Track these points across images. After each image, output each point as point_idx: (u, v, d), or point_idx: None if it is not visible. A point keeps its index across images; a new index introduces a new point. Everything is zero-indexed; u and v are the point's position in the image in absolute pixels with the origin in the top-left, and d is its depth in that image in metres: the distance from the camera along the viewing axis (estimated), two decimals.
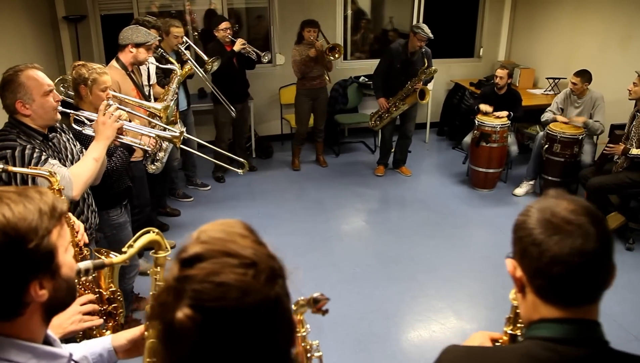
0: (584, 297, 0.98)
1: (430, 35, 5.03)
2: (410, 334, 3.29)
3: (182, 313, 0.69)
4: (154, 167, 3.78)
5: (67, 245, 1.01)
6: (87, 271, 1.16)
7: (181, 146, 2.65)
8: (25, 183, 2.03)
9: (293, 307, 1.18)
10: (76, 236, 1.88)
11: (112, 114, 2.30)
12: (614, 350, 0.99)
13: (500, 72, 5.17)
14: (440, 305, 3.54)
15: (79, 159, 2.37)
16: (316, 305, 1.15)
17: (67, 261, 1.00)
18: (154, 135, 2.65)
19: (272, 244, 0.83)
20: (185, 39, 4.58)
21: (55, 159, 2.18)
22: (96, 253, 1.91)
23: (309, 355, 1.29)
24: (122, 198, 2.97)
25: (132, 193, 3.19)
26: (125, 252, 1.22)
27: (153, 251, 1.28)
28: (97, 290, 1.81)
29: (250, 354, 0.71)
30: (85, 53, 5.65)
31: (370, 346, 3.16)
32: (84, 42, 5.69)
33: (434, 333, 3.28)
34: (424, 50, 5.11)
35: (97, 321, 1.56)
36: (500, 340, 1.30)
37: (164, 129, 3.07)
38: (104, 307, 1.89)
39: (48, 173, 1.85)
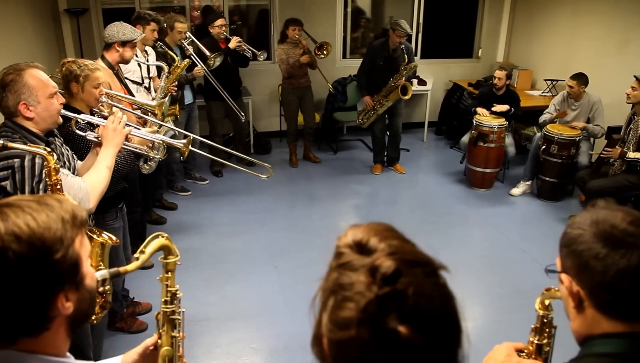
0: None
1: (409, 31, 5.07)
2: None
3: (403, 328, 0.68)
4: (147, 167, 3.71)
5: (88, 254, 0.97)
6: (103, 281, 1.12)
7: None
8: (33, 193, 1.91)
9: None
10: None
11: (122, 120, 2.23)
12: None
13: (499, 74, 5.21)
14: None
15: (74, 165, 2.29)
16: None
17: (90, 271, 0.96)
18: (160, 141, 2.57)
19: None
20: (188, 34, 4.63)
21: (61, 165, 2.10)
22: (88, 232, 1.88)
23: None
24: (117, 201, 2.86)
25: (127, 195, 3.08)
26: (137, 258, 1.18)
27: (162, 256, 1.24)
28: None
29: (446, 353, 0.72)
30: (86, 47, 5.65)
31: None
32: (85, 36, 5.68)
33: None
34: (403, 46, 5.13)
35: None
36: (526, 351, 1.29)
37: (159, 126, 3.03)
38: None
39: (46, 152, 1.81)
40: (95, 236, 1.94)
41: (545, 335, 1.27)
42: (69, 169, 2.20)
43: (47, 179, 1.86)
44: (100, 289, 1.91)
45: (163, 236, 1.21)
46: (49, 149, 1.85)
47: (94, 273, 0.99)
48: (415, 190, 5.45)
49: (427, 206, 5.02)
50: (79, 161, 2.35)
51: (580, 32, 5.81)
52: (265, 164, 3.33)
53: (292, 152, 5.93)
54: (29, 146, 1.84)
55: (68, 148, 2.31)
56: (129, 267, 1.17)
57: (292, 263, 3.96)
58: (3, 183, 1.89)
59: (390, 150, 5.78)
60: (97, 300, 1.88)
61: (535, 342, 1.27)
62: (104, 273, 1.11)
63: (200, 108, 5.50)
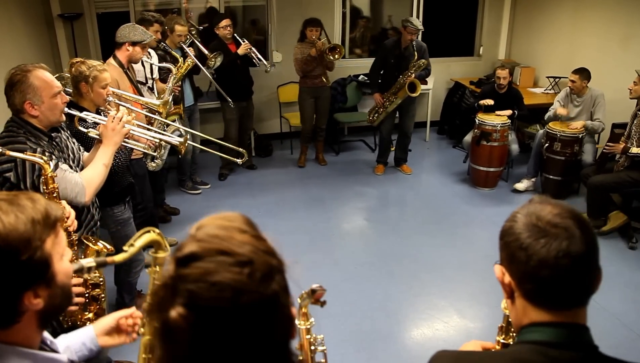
0: (572, 300, 0.98)
1: (420, 27, 5.06)
2: (413, 332, 3.27)
3: (175, 312, 0.69)
4: (154, 164, 3.82)
5: (63, 251, 0.99)
6: (89, 269, 1.17)
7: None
8: (36, 188, 2.02)
9: (298, 300, 1.18)
10: (66, 222, 1.91)
11: (121, 120, 2.33)
12: (603, 354, 0.99)
13: (502, 73, 5.16)
14: (442, 303, 3.52)
15: (79, 157, 2.39)
16: (314, 295, 1.15)
17: (63, 268, 0.98)
18: (158, 140, 2.66)
19: (272, 238, 0.82)
20: (188, 36, 4.68)
21: (62, 161, 2.19)
22: (84, 240, 2.00)
23: (312, 347, 1.30)
24: (125, 194, 2.99)
25: (134, 190, 3.21)
26: (126, 251, 1.24)
27: (153, 250, 1.29)
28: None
29: (248, 350, 0.71)
30: (81, 52, 5.59)
31: (373, 344, 3.13)
32: (80, 41, 5.63)
33: (437, 332, 3.25)
34: (414, 43, 5.10)
35: (74, 307, 1.58)
36: (493, 350, 1.31)
37: (165, 125, 3.11)
38: (87, 291, 1.95)
39: (43, 160, 1.90)
40: (91, 244, 1.99)
41: (512, 334, 1.30)
42: (74, 161, 2.32)
43: (44, 188, 1.94)
44: (96, 294, 1.94)
45: (154, 232, 1.26)
46: (46, 158, 1.93)
47: (69, 269, 1.02)
48: (418, 190, 5.40)
49: (431, 206, 4.98)
50: (85, 153, 2.49)
51: (582, 28, 5.76)
52: (240, 149, 3.37)
53: (303, 152, 5.91)
54: (27, 154, 1.92)
55: (74, 141, 2.43)
56: (117, 257, 1.23)
57: (295, 266, 3.90)
58: (7, 174, 2.01)
59: (398, 150, 5.73)
60: (92, 307, 1.96)
61: (502, 340, 1.31)
62: (89, 261, 1.17)
63: (216, 110, 5.64)
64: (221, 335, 0.70)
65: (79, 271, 1.16)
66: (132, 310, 1.36)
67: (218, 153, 3.57)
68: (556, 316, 0.97)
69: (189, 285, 0.69)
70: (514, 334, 1.26)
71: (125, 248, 1.22)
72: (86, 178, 2.21)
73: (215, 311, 0.69)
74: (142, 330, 1.30)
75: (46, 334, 1.07)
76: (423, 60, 5.12)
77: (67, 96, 2.24)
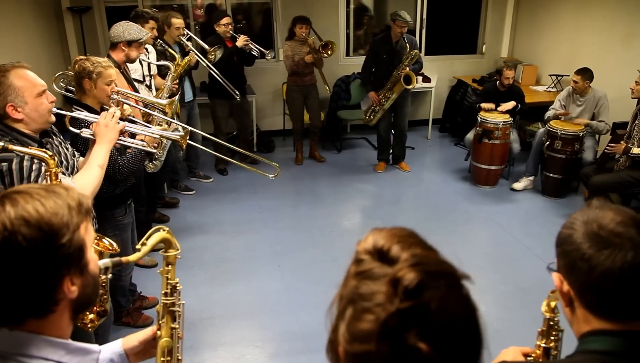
0: (635, 311, 0.95)
1: (409, 19, 5.07)
2: None
3: (423, 345, 0.65)
4: (152, 166, 3.72)
5: (92, 241, 1.01)
6: (106, 269, 1.14)
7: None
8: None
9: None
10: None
11: (114, 115, 2.20)
12: None
13: (509, 73, 5.15)
14: None
15: (73, 163, 2.27)
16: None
17: (93, 257, 1.00)
18: (158, 136, 2.58)
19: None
20: (186, 30, 4.62)
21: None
22: None
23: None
24: (127, 196, 2.90)
25: (138, 190, 3.13)
26: (139, 250, 1.21)
27: (163, 249, 1.28)
28: None
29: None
30: (90, 45, 5.65)
31: None
32: (89, 34, 5.69)
33: None
34: (404, 36, 5.11)
35: None
36: (533, 355, 1.28)
37: (165, 122, 3.06)
38: None
39: (47, 156, 1.81)
40: (94, 244, 1.91)
41: (553, 338, 1.26)
42: (67, 168, 2.19)
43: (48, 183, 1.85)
44: (99, 295, 1.90)
45: (164, 230, 1.24)
46: (50, 153, 1.84)
47: (97, 260, 1.03)
48: (419, 188, 5.43)
49: (431, 203, 5.00)
50: (81, 159, 2.35)
51: (585, 26, 5.76)
52: (273, 163, 3.32)
53: (299, 150, 5.93)
54: (30, 148, 1.83)
55: (68, 147, 2.30)
56: (131, 257, 1.21)
57: (295, 262, 3.95)
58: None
59: (396, 148, 5.76)
60: (95, 308, 1.87)
61: (542, 345, 1.26)
62: (106, 261, 1.14)
63: (204, 106, 5.52)
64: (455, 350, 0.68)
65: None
66: (155, 330, 1.30)
67: (216, 153, 3.54)
68: (618, 325, 0.95)
69: (423, 316, 0.66)
70: (554, 338, 1.24)
71: (138, 246, 1.21)
72: (80, 183, 2.03)
73: (451, 334, 0.67)
74: (159, 332, 1.28)
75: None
76: (416, 50, 5.13)
77: (54, 96, 2.09)
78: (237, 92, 4.97)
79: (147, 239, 1.21)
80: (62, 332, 0.98)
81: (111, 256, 1.31)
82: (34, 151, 1.82)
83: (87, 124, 2.34)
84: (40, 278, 0.89)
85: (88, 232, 0.97)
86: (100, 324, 2.00)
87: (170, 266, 1.29)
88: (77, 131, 2.30)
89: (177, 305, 1.29)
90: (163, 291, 1.28)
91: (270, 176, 3.13)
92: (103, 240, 1.93)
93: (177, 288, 1.29)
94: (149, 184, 3.90)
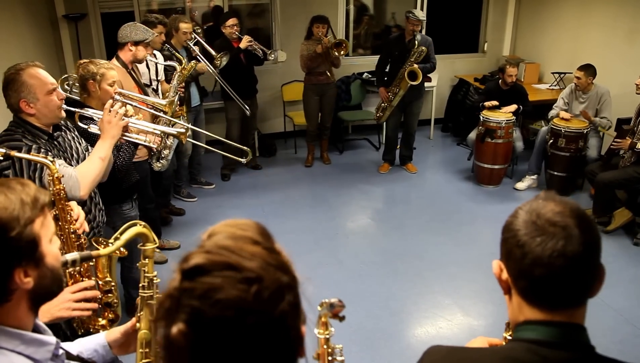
0: (567, 300, 0.96)
1: (422, 17, 5.07)
2: (417, 330, 3.27)
3: (177, 328, 0.67)
4: (159, 165, 3.79)
5: (52, 236, 1.03)
6: (73, 262, 1.19)
7: (191, 140, 2.66)
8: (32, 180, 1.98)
9: (318, 308, 1.14)
10: (74, 224, 1.89)
11: (118, 112, 2.31)
12: (599, 355, 0.97)
13: (512, 70, 5.10)
14: (446, 301, 3.52)
15: (84, 157, 2.36)
16: (332, 310, 1.10)
17: (52, 251, 1.02)
18: (159, 132, 2.64)
19: (287, 251, 0.79)
20: (194, 35, 4.63)
21: (60, 158, 2.18)
22: (94, 243, 1.92)
23: (330, 358, 1.26)
24: (132, 191, 3.02)
25: (139, 192, 3.23)
26: (112, 244, 1.27)
27: (141, 243, 1.31)
28: (93, 279, 1.84)
29: None
30: (86, 52, 5.61)
31: (377, 342, 3.14)
32: (84, 41, 5.64)
33: (441, 330, 3.26)
34: (419, 37, 5.09)
35: (86, 312, 1.59)
36: (494, 346, 1.29)
37: (171, 124, 3.11)
38: (100, 297, 1.90)
39: (49, 161, 1.88)
40: (101, 248, 1.91)
41: None
42: (79, 161, 2.31)
43: (51, 188, 1.91)
44: (109, 300, 1.90)
45: (140, 224, 1.28)
46: (51, 159, 1.91)
47: (57, 254, 1.06)
48: (423, 188, 5.39)
49: (435, 204, 4.97)
50: None
51: (588, 23, 5.72)
52: (244, 147, 3.41)
53: (310, 151, 5.89)
54: (32, 155, 1.94)
55: (81, 142, 2.42)
56: (102, 251, 1.27)
57: (300, 266, 3.90)
58: (6, 172, 2.02)
59: (404, 148, 5.72)
60: (106, 314, 1.91)
61: (508, 337, 1.29)
62: (74, 255, 1.18)
63: (211, 111, 5.63)
64: (222, 355, 0.67)
65: (63, 265, 1.16)
66: (135, 322, 1.35)
67: (222, 153, 3.57)
68: (551, 315, 0.97)
69: (192, 300, 0.67)
70: None
71: (110, 241, 1.25)
72: (80, 172, 2.17)
73: (217, 331, 0.67)
74: (138, 325, 1.32)
75: (39, 322, 1.09)
76: (423, 47, 5.09)
77: (64, 93, 2.23)
78: (247, 107, 5.01)
79: (120, 233, 1.25)
80: (19, 322, 1.00)
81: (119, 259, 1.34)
82: (36, 157, 1.91)
83: (95, 121, 2.46)
84: None
85: (45, 226, 1.00)
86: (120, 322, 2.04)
87: (147, 259, 1.32)
88: (86, 127, 2.44)
89: (154, 298, 1.32)
90: (141, 284, 1.32)
91: (242, 160, 3.19)
92: (109, 244, 1.94)
93: (155, 281, 1.32)
94: (155, 183, 3.98)
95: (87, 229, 1.95)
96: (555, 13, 6.22)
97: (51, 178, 1.90)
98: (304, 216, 4.74)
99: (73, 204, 1.95)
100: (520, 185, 5.17)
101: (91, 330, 1.91)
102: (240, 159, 3.20)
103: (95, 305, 1.70)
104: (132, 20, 5.47)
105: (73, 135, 2.38)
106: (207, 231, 0.76)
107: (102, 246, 1.94)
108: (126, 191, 2.94)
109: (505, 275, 1.02)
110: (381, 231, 4.54)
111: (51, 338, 1.07)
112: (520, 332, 1.00)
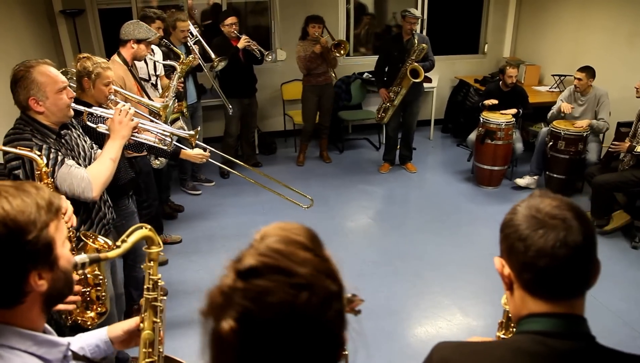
0: (570, 290, 1.00)
1: (419, 15, 5.09)
2: (417, 330, 3.28)
3: (227, 324, 0.69)
4: (157, 162, 3.80)
5: (64, 239, 1.04)
6: (83, 265, 1.19)
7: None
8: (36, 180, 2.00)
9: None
10: (63, 217, 1.87)
11: (128, 112, 2.31)
12: (600, 345, 1.01)
13: (512, 71, 5.10)
14: (446, 301, 3.52)
15: (90, 155, 2.35)
16: (349, 305, 1.13)
17: (65, 253, 1.03)
18: (169, 133, 2.63)
19: (335, 257, 0.79)
20: (195, 32, 4.61)
21: (69, 158, 2.16)
22: (83, 237, 1.97)
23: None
24: (127, 188, 2.99)
25: (137, 185, 3.22)
26: (119, 246, 1.27)
27: (146, 246, 1.32)
28: (82, 273, 1.87)
29: None
30: (85, 48, 5.58)
31: (376, 342, 3.13)
32: (83, 37, 5.62)
33: (441, 330, 3.26)
34: (417, 35, 5.10)
35: (70, 305, 1.61)
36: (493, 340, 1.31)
37: (169, 121, 3.11)
38: (88, 289, 1.93)
39: (37, 155, 1.90)
40: (90, 242, 1.95)
41: (512, 329, 1.30)
42: (85, 160, 2.29)
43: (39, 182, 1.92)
44: (98, 293, 1.93)
45: (146, 228, 1.29)
46: (38, 153, 1.93)
47: (70, 256, 1.07)
48: (422, 189, 5.40)
49: (435, 205, 4.97)
50: (99, 151, 2.45)
51: (588, 25, 5.73)
52: (307, 196, 3.49)
53: (302, 150, 5.89)
54: (19, 149, 1.91)
55: (87, 140, 2.40)
56: (110, 254, 1.26)
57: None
58: (16, 172, 2.02)
59: (403, 148, 5.72)
60: (94, 307, 1.95)
61: (502, 336, 1.33)
62: (83, 257, 1.18)
63: (208, 108, 5.61)
64: (268, 355, 0.70)
65: (73, 268, 1.17)
66: (138, 321, 1.37)
67: (222, 153, 3.59)
68: (554, 306, 1.00)
69: (244, 300, 0.69)
70: (514, 329, 1.27)
71: (118, 243, 1.26)
72: (92, 173, 2.17)
73: (265, 331, 0.69)
74: (142, 325, 1.34)
75: (48, 326, 1.10)
76: (424, 45, 5.10)
77: (74, 92, 2.21)
78: (230, 106, 5.00)
79: (127, 236, 1.26)
80: (32, 324, 1.02)
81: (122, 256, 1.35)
82: (25, 152, 1.91)
83: (103, 120, 2.44)
84: (6, 271, 0.93)
85: (59, 230, 1.01)
86: (109, 315, 2.09)
87: (152, 262, 1.33)
88: (94, 126, 2.40)
89: (159, 300, 1.35)
90: (145, 286, 1.34)
91: (304, 206, 3.26)
92: (98, 238, 2.00)
93: (159, 283, 1.35)
94: (157, 179, 3.98)
95: (74, 223, 1.95)
96: (555, 15, 6.23)
97: (39, 172, 1.91)
98: (303, 215, 4.72)
99: (62, 197, 1.95)
100: (521, 181, 5.17)
101: (79, 321, 1.94)
102: (301, 204, 3.20)
103: (78, 298, 1.76)
104: (130, 16, 5.48)
105: (78, 133, 2.36)
106: (259, 231, 0.78)
107: (90, 240, 1.97)
108: (121, 187, 2.91)
109: (507, 271, 1.05)
110: (381, 231, 4.54)
111: (63, 340, 1.08)
112: (524, 324, 1.03)
